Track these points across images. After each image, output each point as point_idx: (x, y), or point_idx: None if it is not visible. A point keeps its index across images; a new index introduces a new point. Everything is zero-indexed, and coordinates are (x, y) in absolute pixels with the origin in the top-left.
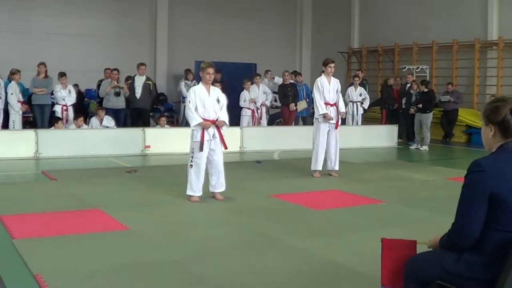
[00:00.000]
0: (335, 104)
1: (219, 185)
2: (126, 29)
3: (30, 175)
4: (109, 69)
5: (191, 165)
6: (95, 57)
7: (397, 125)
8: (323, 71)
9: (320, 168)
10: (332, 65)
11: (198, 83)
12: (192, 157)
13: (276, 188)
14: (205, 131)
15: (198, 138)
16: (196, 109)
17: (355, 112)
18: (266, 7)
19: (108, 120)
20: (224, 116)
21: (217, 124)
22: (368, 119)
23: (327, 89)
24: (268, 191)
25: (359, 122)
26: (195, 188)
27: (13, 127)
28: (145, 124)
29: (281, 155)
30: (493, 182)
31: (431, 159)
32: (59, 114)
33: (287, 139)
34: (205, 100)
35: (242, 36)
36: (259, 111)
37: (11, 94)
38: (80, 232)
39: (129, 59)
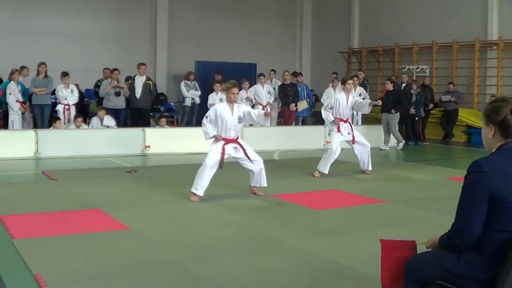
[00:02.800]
0: (348, 120)
1: (261, 180)
2: (126, 29)
3: (30, 175)
4: (107, 69)
5: (202, 165)
6: (95, 57)
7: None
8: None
9: (326, 172)
10: (351, 81)
11: (198, 84)
12: (207, 157)
13: (276, 188)
14: (225, 148)
15: (219, 151)
16: (211, 123)
17: (355, 112)
18: (266, 7)
19: (109, 120)
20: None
21: (238, 141)
22: (368, 119)
23: (343, 106)
24: (268, 191)
25: (359, 122)
26: (198, 187)
27: (12, 127)
28: (145, 124)
29: (281, 155)
30: (493, 182)
31: (431, 159)
32: (60, 114)
33: (287, 139)
34: (227, 120)
35: (242, 36)
36: (264, 111)
37: (10, 94)
38: (80, 232)
39: (129, 59)
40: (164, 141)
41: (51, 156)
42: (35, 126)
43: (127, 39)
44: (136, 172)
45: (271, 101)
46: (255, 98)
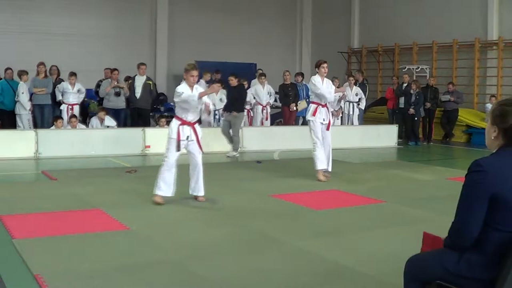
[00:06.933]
0: (326, 105)
1: (198, 188)
2: (126, 29)
3: (30, 175)
4: (108, 69)
5: (162, 164)
6: (95, 57)
7: (397, 125)
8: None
9: (325, 167)
10: (325, 65)
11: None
12: (165, 156)
13: (276, 188)
14: (180, 130)
15: (174, 136)
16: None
17: (351, 112)
18: (266, 7)
19: (110, 120)
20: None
21: (194, 126)
22: (369, 119)
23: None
24: (268, 191)
25: (355, 122)
26: (162, 187)
27: (23, 127)
28: (145, 124)
29: (281, 155)
30: (494, 182)
31: (431, 159)
32: (64, 113)
33: (287, 139)
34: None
35: (242, 35)
36: (264, 111)
37: (22, 93)
38: (80, 232)
39: (129, 59)
40: (164, 141)
41: (51, 156)
42: (35, 126)
43: (127, 39)
44: (136, 172)
45: (271, 101)
46: (254, 98)
